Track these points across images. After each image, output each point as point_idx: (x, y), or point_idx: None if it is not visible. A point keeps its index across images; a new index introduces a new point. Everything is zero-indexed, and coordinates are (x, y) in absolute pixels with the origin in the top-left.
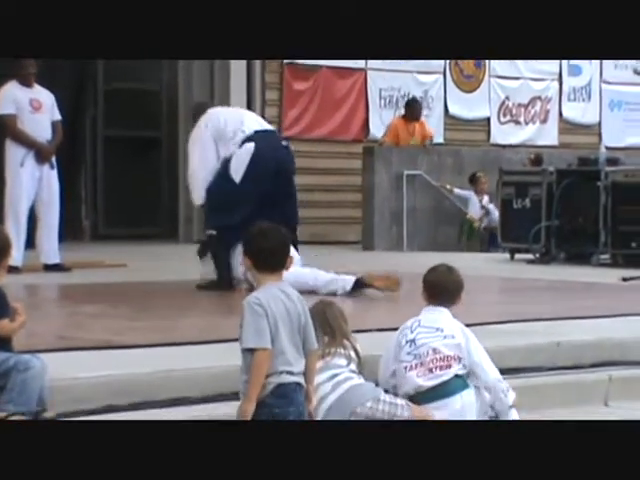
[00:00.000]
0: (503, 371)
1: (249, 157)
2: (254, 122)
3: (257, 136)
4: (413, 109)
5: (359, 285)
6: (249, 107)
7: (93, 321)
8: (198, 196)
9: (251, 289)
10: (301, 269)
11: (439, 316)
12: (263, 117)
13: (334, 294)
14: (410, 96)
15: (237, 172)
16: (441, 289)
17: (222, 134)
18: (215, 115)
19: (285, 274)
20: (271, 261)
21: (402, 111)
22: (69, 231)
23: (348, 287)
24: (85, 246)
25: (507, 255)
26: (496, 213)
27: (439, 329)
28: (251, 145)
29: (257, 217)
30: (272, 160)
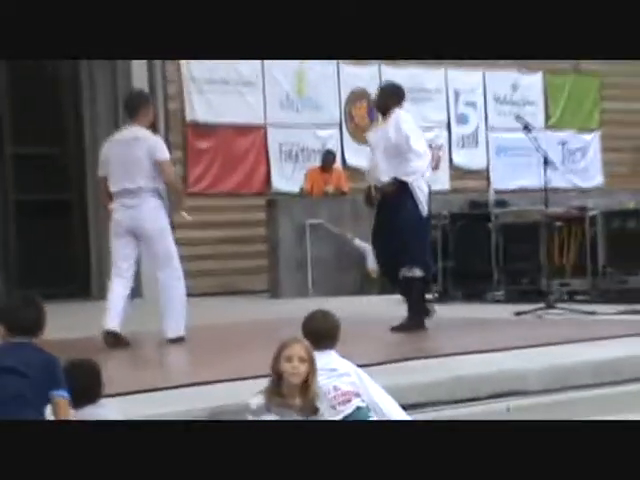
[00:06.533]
0: (404, 407)
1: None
2: None
3: None
4: (326, 159)
5: None
6: None
7: None
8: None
9: None
10: None
11: (329, 358)
12: None
13: None
14: (325, 148)
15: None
16: (322, 334)
17: None
18: None
19: None
20: None
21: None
22: None
23: None
24: None
25: None
26: None
27: (333, 369)
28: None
29: None
30: None
